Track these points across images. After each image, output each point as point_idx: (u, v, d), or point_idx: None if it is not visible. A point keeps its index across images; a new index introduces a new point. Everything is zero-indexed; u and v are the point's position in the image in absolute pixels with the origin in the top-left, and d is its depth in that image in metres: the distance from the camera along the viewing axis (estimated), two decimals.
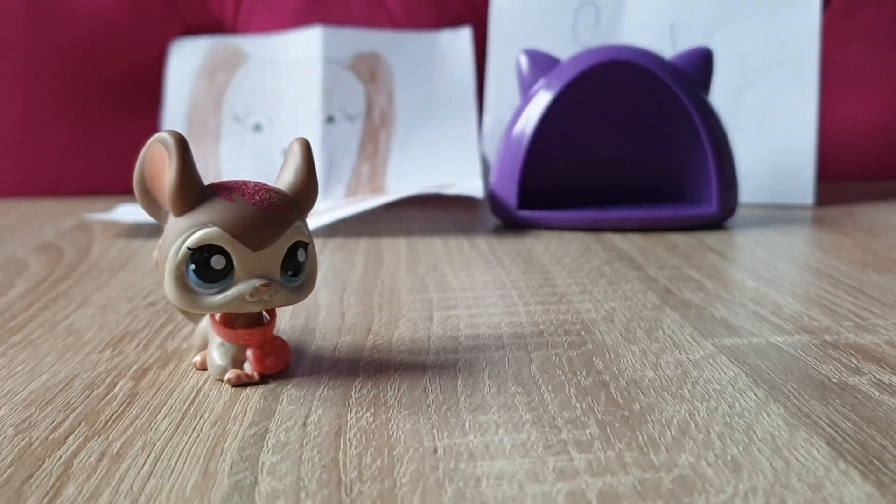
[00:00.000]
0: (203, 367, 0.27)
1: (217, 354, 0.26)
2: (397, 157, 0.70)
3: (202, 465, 0.20)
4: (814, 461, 0.20)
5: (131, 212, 0.58)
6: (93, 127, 0.76)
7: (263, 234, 0.24)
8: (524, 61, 0.57)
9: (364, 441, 0.21)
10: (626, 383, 0.25)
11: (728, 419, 0.22)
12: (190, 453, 0.21)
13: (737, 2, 0.66)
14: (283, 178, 0.26)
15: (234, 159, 0.70)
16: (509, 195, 0.55)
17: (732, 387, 0.25)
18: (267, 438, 0.22)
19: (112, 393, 0.25)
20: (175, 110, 0.72)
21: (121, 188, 0.72)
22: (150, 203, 0.25)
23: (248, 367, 0.26)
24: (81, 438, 0.22)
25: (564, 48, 0.63)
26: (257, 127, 0.72)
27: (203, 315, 0.27)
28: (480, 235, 0.53)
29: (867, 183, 0.76)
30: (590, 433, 0.22)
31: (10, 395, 0.25)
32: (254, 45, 0.75)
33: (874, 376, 0.26)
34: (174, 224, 0.25)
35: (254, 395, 0.25)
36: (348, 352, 0.29)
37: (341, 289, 0.39)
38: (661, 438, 0.21)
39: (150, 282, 0.40)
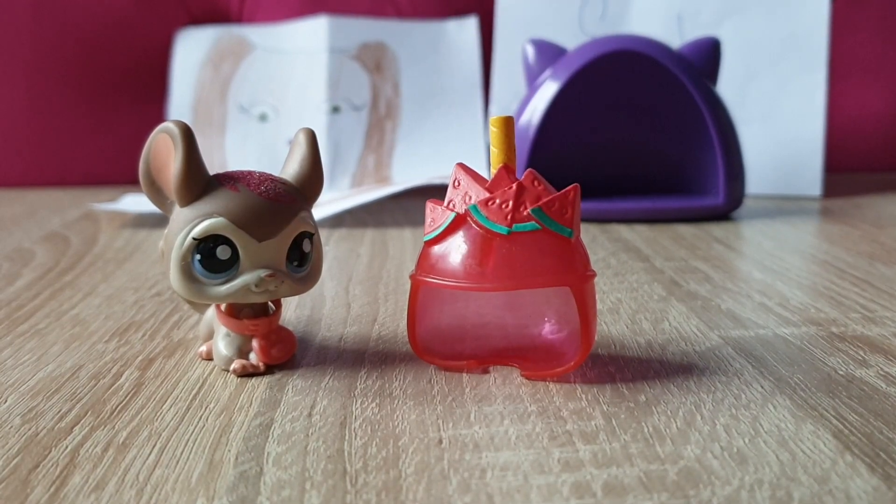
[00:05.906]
0: (209, 358, 0.27)
1: (223, 344, 0.26)
2: (403, 148, 0.70)
3: (208, 455, 0.20)
4: (820, 454, 0.20)
5: (137, 202, 0.58)
6: (98, 117, 0.76)
7: (269, 225, 0.24)
8: (530, 51, 0.56)
9: (369, 431, 0.21)
10: (632, 375, 0.25)
11: (734, 411, 0.22)
12: (195, 443, 0.21)
13: None
14: (288, 168, 0.26)
15: (239, 149, 0.70)
16: None
17: (738, 379, 0.25)
18: (272, 429, 0.22)
19: (118, 383, 0.25)
20: (181, 100, 0.72)
21: (126, 178, 0.72)
22: (156, 193, 0.25)
23: (253, 358, 0.26)
24: (88, 428, 0.22)
25: (571, 38, 0.63)
26: (263, 117, 0.72)
27: (209, 305, 0.27)
28: None
29: (875, 174, 0.75)
30: (595, 424, 0.22)
31: (16, 385, 0.25)
32: (259, 35, 0.74)
33: (881, 368, 0.26)
34: (180, 214, 0.25)
35: (259, 385, 0.25)
36: (354, 342, 0.29)
37: (347, 279, 0.39)
38: (667, 430, 0.21)
39: (155, 272, 0.40)
